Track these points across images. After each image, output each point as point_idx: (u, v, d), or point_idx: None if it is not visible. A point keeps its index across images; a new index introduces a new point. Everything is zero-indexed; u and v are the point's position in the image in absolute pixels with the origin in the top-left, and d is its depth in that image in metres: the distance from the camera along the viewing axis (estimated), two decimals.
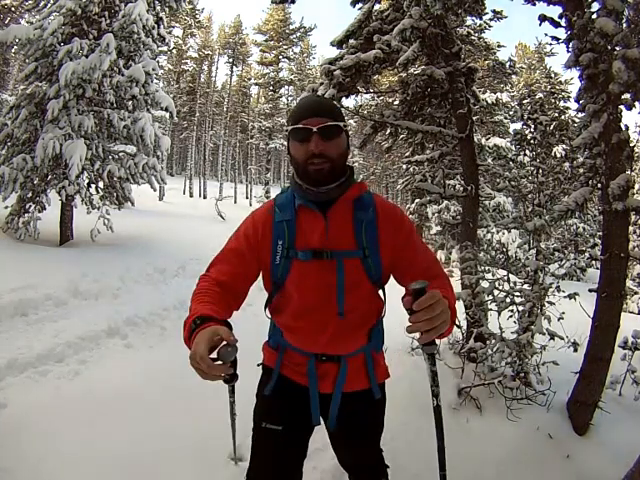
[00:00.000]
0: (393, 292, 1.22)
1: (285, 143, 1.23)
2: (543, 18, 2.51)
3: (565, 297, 3.04)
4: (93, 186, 6.32)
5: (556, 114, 13.40)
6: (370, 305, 1.17)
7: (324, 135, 1.04)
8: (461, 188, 4.70)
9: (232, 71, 27.81)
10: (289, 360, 1.20)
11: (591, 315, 2.46)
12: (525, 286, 3.06)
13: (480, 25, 8.94)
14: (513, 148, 10.99)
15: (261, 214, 1.17)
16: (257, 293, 1.30)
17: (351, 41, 4.29)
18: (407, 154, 9.13)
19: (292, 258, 1.10)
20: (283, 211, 1.13)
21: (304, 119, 1.05)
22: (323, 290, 1.09)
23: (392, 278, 1.20)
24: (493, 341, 2.87)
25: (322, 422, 1.20)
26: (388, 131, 4.95)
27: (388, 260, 1.13)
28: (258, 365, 1.27)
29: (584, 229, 12.60)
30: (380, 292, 1.19)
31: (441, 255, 11.01)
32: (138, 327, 3.88)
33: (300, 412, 1.16)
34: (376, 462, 1.32)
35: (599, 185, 2.44)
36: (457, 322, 3.06)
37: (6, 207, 5.78)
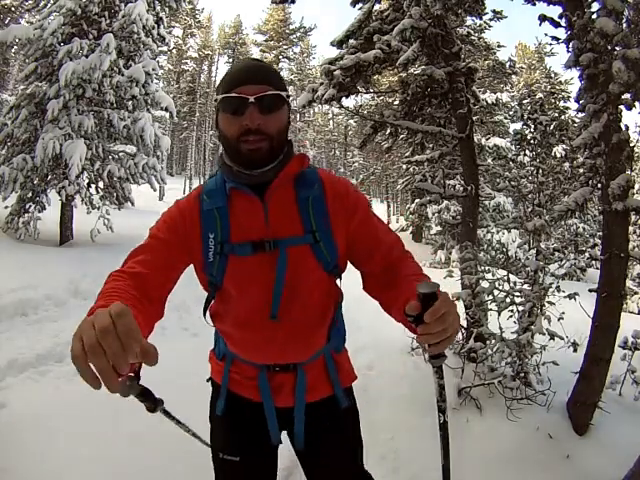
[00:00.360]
0: None
1: None
2: (543, 18, 2.52)
3: (565, 297, 3.04)
4: (93, 186, 6.33)
5: (556, 114, 13.42)
6: (327, 299, 1.00)
7: (263, 107, 0.84)
8: (461, 188, 4.70)
9: None
10: (238, 373, 1.03)
11: (591, 315, 2.46)
12: (525, 286, 3.06)
13: (480, 25, 8.96)
14: (513, 148, 11.02)
15: (186, 202, 0.97)
16: None
17: (351, 41, 4.30)
18: (407, 154, 9.14)
19: (227, 254, 0.91)
20: (212, 197, 0.93)
21: (238, 86, 0.85)
22: (266, 290, 0.91)
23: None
24: (493, 341, 2.88)
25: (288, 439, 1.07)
26: (388, 131, 4.95)
27: (343, 244, 0.95)
28: (207, 380, 1.13)
29: (584, 229, 12.60)
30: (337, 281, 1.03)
31: (441, 255, 11.03)
32: None
33: (258, 434, 1.02)
34: None
35: (599, 185, 2.45)
36: None
37: (6, 207, 5.77)
